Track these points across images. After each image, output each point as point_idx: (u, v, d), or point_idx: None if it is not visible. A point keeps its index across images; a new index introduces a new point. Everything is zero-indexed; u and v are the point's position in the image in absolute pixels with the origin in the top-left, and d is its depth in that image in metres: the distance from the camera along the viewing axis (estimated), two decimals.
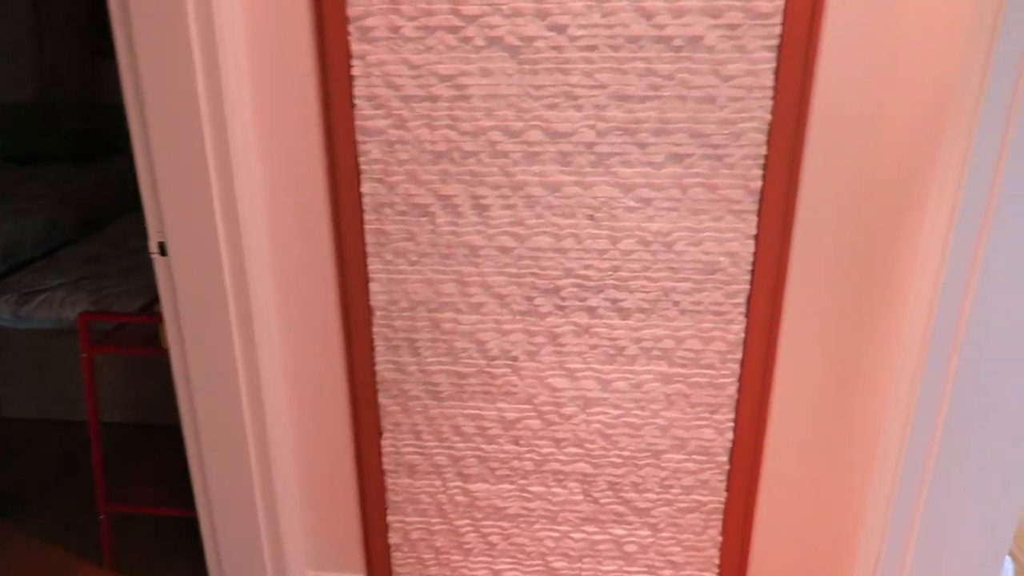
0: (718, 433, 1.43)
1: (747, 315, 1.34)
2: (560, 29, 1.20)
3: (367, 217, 1.34)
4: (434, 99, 1.26)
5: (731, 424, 1.42)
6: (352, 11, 1.22)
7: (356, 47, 1.24)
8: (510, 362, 1.42)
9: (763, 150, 1.23)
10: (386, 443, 1.51)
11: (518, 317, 1.38)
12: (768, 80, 1.20)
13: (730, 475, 1.46)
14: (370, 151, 1.30)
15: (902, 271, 1.19)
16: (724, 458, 1.45)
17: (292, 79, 1.26)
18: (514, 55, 1.22)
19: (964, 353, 1.06)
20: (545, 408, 1.45)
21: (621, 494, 1.50)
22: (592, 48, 1.20)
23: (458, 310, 1.39)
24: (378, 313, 1.41)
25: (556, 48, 1.21)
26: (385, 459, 1.53)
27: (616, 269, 1.33)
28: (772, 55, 1.18)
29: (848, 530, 1.38)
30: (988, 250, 1.00)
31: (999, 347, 1.04)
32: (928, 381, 1.11)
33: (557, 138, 1.26)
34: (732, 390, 1.39)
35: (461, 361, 1.43)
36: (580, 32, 1.20)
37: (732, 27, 1.17)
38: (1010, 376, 1.07)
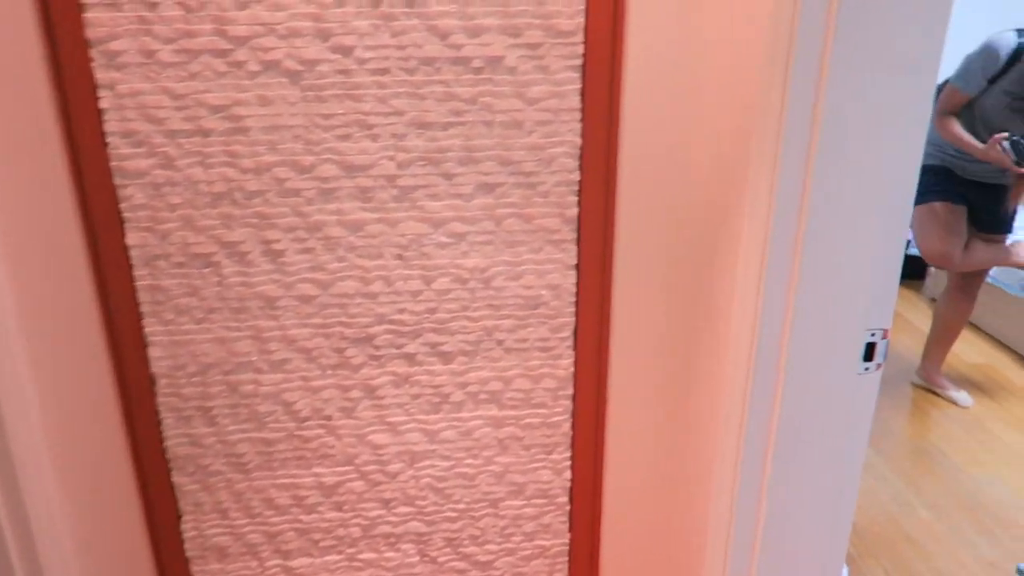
0: (556, 474, 1.35)
1: (575, 349, 1.26)
2: (346, 51, 1.06)
3: (137, 272, 1.15)
4: (206, 133, 1.09)
5: (568, 463, 1.34)
6: (93, 33, 1.02)
7: (102, 75, 1.04)
8: (324, 422, 1.27)
9: (576, 175, 1.16)
10: (187, 526, 1.31)
11: (328, 372, 1.23)
12: (575, 102, 1.12)
13: (572, 515, 1.38)
14: (133, 196, 1.11)
15: (724, 293, 1.15)
16: (564, 499, 1.37)
17: (23, 116, 1.04)
18: (295, 81, 1.07)
19: (788, 373, 1.03)
20: (368, 468, 1.30)
21: (460, 549, 1.38)
22: (384, 71, 1.08)
23: (258, 370, 1.22)
24: (161, 381, 1.21)
25: (343, 72, 1.07)
26: (188, 545, 1.32)
27: (433, 311, 1.21)
28: (577, 75, 1.11)
29: (693, 556, 1.34)
30: (803, 267, 0.97)
31: (820, 365, 1.02)
32: (755, 404, 1.07)
33: (354, 172, 1.13)
34: (566, 428, 1.32)
35: (267, 426, 1.26)
36: (369, 54, 1.07)
37: (533, 47, 1.09)
38: (832, 390, 1.05)
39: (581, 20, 1.08)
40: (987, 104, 2.22)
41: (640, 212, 1.18)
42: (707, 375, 1.22)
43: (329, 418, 1.26)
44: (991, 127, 2.25)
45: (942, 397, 2.67)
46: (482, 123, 1.12)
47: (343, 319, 1.20)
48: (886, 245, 0.93)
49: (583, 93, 1.12)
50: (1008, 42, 2.12)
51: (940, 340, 2.69)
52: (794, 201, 0.95)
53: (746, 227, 0.99)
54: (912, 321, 3.31)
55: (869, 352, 0.99)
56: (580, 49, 1.10)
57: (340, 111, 1.09)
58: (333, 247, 1.16)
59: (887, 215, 0.91)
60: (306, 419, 1.26)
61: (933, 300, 3.49)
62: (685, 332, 1.24)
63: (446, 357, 1.25)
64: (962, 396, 2.63)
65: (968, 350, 3.00)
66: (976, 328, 3.17)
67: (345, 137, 1.11)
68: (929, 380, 2.72)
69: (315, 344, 1.21)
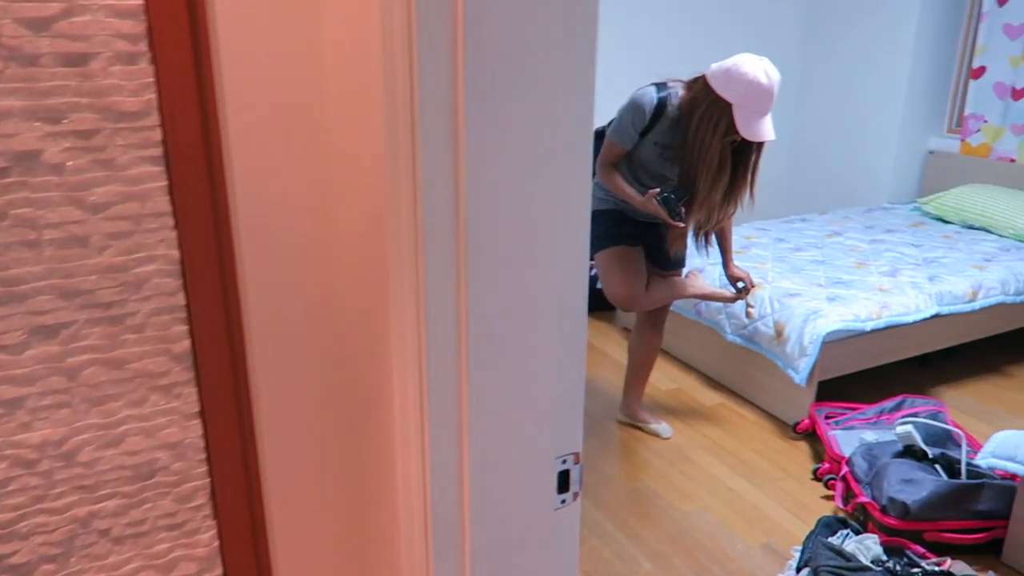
0: None
1: (216, 517, 0.96)
2: None
3: None
4: None
5: None
6: None
7: None
8: None
9: (180, 299, 0.87)
10: None
11: None
12: (162, 204, 0.84)
13: None
14: None
15: (390, 427, 0.93)
16: None
17: None
18: None
19: (475, 528, 0.83)
20: None
21: None
22: None
23: None
24: None
25: None
26: None
27: None
28: (159, 169, 0.83)
29: None
30: (472, 402, 0.78)
31: (510, 513, 0.84)
32: (440, 564, 0.86)
33: None
34: None
35: None
36: None
37: (84, 135, 0.78)
38: (528, 536, 0.87)
39: (152, 96, 0.80)
40: (643, 155, 2.31)
41: (277, 333, 0.92)
42: (387, 524, 0.99)
43: None
44: (650, 174, 2.35)
45: (646, 431, 2.74)
46: (22, 244, 0.79)
47: None
48: (566, 358, 0.77)
49: (171, 191, 0.84)
50: (650, 97, 2.21)
51: (637, 375, 2.76)
52: (450, 314, 0.76)
53: (396, 360, 0.77)
54: (609, 353, 3.42)
55: (564, 481, 0.83)
56: (158, 135, 0.82)
57: None
58: None
59: (562, 325, 0.75)
60: None
61: (626, 329, 3.65)
62: (354, 480, 1.00)
63: (21, 571, 0.87)
64: (663, 428, 2.72)
65: (661, 377, 3.15)
66: (664, 353, 3.36)
67: None
68: (632, 415, 2.78)
69: None
